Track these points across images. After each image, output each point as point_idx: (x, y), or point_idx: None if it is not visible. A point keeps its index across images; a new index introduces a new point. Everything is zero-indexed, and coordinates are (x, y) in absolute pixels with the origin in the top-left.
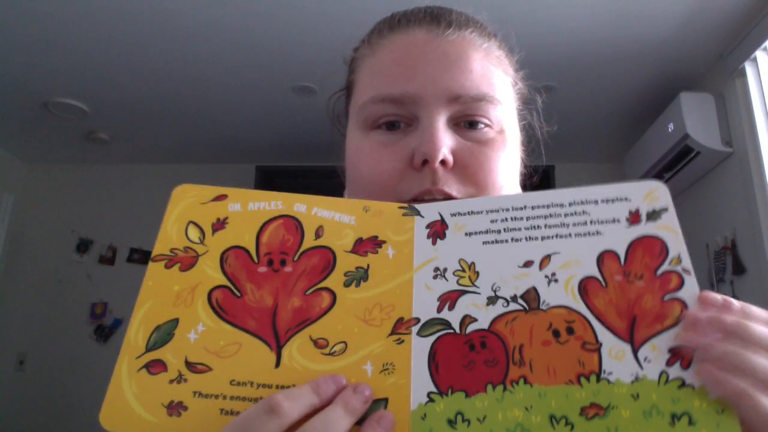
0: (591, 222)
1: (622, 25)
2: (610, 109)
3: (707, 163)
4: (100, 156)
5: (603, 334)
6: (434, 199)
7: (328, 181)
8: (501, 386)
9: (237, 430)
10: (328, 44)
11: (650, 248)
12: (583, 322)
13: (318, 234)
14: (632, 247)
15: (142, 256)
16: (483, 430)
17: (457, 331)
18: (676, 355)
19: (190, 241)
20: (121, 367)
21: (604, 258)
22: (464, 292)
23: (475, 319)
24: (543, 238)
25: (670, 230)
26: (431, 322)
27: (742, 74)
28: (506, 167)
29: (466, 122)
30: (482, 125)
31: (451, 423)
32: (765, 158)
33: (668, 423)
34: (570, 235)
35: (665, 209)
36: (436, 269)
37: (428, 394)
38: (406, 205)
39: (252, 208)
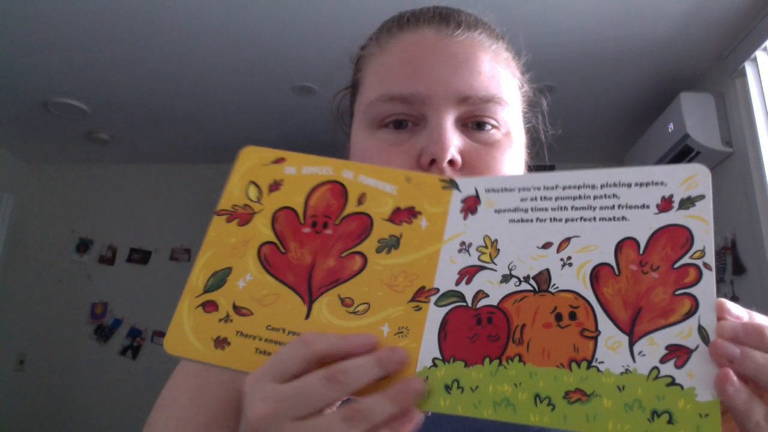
0: (619, 206)
1: (622, 24)
2: (610, 109)
3: (707, 163)
4: (100, 156)
5: (604, 324)
6: None
7: None
8: (497, 361)
9: (274, 358)
10: (328, 44)
11: (674, 238)
12: (587, 309)
13: (360, 201)
14: (655, 235)
15: (141, 256)
16: (473, 398)
17: (469, 304)
18: (672, 352)
19: (249, 199)
20: (183, 303)
21: (623, 245)
22: (482, 268)
23: (487, 295)
24: (567, 220)
25: (700, 220)
26: (448, 294)
27: (742, 74)
28: (512, 169)
29: (474, 123)
30: (489, 126)
31: (447, 388)
32: (765, 158)
33: (647, 418)
34: (595, 218)
35: (702, 197)
36: (462, 243)
37: (433, 360)
38: (447, 178)
39: (305, 173)
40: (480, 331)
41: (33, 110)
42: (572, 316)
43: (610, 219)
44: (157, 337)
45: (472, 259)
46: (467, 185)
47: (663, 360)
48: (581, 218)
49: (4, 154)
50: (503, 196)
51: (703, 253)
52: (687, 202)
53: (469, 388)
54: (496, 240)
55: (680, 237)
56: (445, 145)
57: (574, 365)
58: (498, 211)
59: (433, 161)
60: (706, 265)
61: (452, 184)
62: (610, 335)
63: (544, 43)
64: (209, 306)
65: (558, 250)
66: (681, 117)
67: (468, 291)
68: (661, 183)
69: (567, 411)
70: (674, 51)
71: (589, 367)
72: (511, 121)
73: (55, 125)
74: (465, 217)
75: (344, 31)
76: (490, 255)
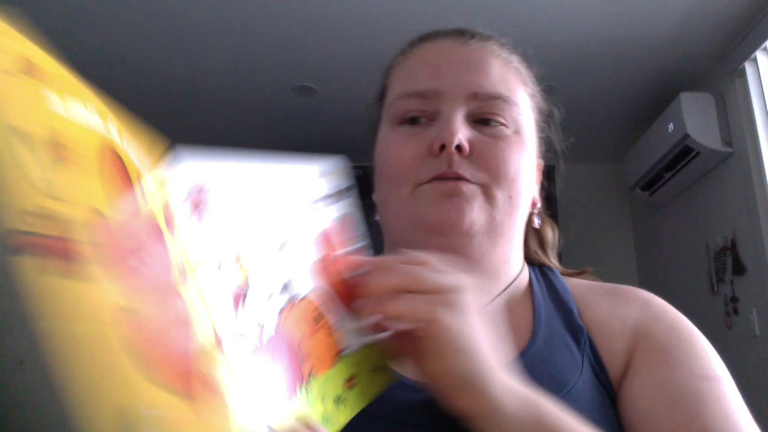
0: (300, 200)
1: (622, 25)
2: (610, 109)
3: (707, 163)
4: None
5: (335, 314)
6: (448, 179)
7: None
8: (303, 385)
9: None
10: (328, 44)
11: (345, 226)
12: (325, 305)
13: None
14: (336, 223)
15: None
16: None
17: (259, 342)
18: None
19: (50, 209)
20: None
21: (321, 237)
22: (245, 289)
23: (264, 324)
24: (279, 214)
25: (352, 209)
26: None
27: (742, 74)
28: (521, 163)
29: (484, 119)
30: (498, 123)
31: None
32: (765, 158)
33: (372, 368)
34: (301, 214)
35: (347, 188)
36: (212, 261)
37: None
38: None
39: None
40: (279, 365)
41: None
42: (319, 317)
43: (308, 214)
44: None
45: (229, 282)
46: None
47: (370, 328)
48: (288, 211)
49: None
50: (219, 188)
51: (359, 237)
52: (340, 194)
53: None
54: (237, 250)
55: (348, 225)
56: (452, 131)
57: (337, 360)
58: (224, 205)
59: (443, 147)
60: (363, 247)
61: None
62: (346, 321)
63: (544, 43)
64: None
65: (287, 250)
66: (681, 117)
67: (250, 324)
68: (325, 175)
69: (351, 398)
70: (674, 51)
71: (342, 356)
72: (519, 122)
73: None
74: (198, 218)
75: (344, 31)
76: (245, 270)
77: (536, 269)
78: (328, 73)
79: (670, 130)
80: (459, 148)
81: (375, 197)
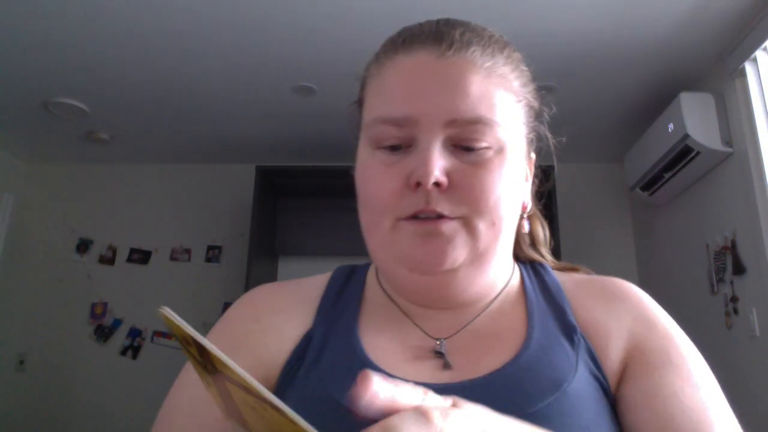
0: None
1: (623, 25)
2: (610, 109)
3: (707, 163)
4: (100, 156)
5: None
6: (428, 218)
7: (327, 181)
8: None
9: None
10: (327, 44)
11: None
12: None
13: None
14: None
15: (141, 256)
16: None
17: None
18: None
19: None
20: None
21: None
22: None
23: None
24: None
25: None
26: None
27: (742, 74)
28: (504, 185)
29: (464, 144)
30: (479, 147)
31: None
32: (765, 158)
33: None
34: None
35: None
36: None
37: None
38: None
39: None
40: None
41: (33, 110)
42: None
43: None
44: (157, 337)
45: None
46: None
47: None
48: None
49: (4, 154)
50: None
51: None
52: None
53: None
54: None
55: None
56: (428, 168)
57: None
58: None
59: (419, 183)
60: None
61: None
62: None
63: (544, 43)
64: None
65: None
66: (681, 117)
67: None
68: None
69: None
70: (674, 51)
71: None
72: (503, 138)
73: (55, 125)
74: None
75: (344, 32)
76: None
77: (528, 266)
78: (328, 73)
79: (670, 130)
80: (437, 184)
81: (360, 219)
